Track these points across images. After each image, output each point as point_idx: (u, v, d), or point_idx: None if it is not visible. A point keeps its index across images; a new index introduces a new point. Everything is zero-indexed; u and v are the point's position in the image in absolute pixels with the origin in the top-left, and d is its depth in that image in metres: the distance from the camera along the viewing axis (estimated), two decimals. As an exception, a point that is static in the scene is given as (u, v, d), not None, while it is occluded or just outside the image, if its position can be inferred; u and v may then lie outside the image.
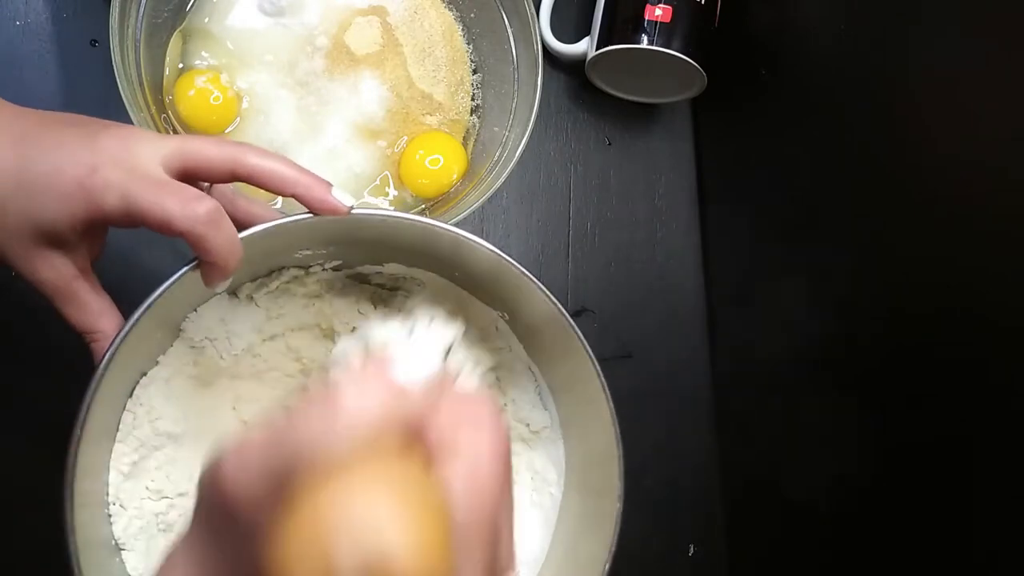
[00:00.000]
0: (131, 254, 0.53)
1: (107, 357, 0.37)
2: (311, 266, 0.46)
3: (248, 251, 0.38)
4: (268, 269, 0.45)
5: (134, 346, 0.39)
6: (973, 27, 0.42)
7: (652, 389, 0.61)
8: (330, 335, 0.47)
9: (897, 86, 0.47)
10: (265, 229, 0.39)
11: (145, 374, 0.43)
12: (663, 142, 0.64)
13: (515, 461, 0.49)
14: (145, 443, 0.43)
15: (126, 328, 0.37)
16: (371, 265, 0.46)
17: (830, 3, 0.53)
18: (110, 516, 0.42)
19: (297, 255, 0.43)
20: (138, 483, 0.43)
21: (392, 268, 0.46)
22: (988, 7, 0.41)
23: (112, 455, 0.42)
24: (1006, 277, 0.40)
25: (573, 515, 0.47)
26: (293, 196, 0.38)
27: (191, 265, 0.38)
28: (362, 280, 0.48)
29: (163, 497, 0.43)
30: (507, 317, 0.46)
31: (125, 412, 0.42)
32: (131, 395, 0.42)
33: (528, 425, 0.49)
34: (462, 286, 0.46)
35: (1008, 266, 0.40)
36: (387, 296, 0.48)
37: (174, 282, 0.38)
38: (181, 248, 0.55)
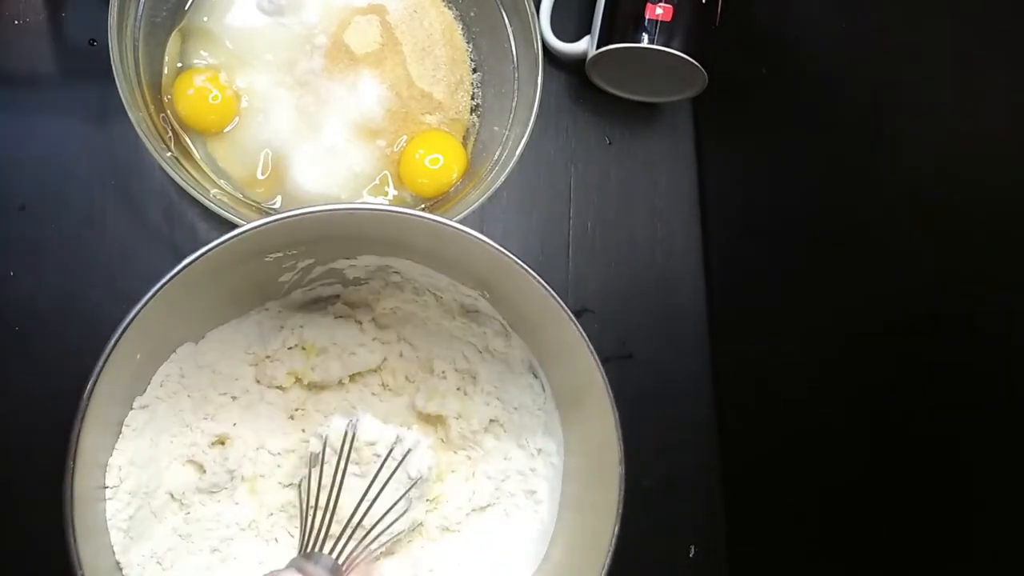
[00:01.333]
0: (131, 253, 0.53)
1: (91, 383, 0.37)
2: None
3: (221, 257, 0.38)
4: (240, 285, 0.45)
5: (117, 373, 0.39)
6: (973, 27, 0.42)
7: (652, 389, 0.61)
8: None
9: (896, 84, 0.46)
10: (234, 236, 0.39)
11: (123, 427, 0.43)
12: (664, 141, 0.64)
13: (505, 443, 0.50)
14: (136, 493, 0.43)
15: (108, 349, 0.37)
16: (344, 260, 0.46)
17: (831, 2, 0.53)
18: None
19: (267, 259, 0.43)
20: (143, 546, 0.43)
21: (366, 260, 0.46)
22: (988, 7, 0.41)
23: (108, 513, 0.42)
24: (1003, 274, 0.40)
25: (576, 483, 0.48)
26: None
27: (168, 278, 0.38)
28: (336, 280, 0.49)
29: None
30: (488, 295, 0.46)
31: (109, 462, 0.42)
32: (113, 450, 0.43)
33: (516, 408, 0.50)
34: (440, 271, 0.46)
35: (1006, 263, 0.40)
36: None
37: (152, 297, 0.38)
38: (180, 246, 0.55)
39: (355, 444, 0.46)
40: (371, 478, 0.45)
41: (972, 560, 0.42)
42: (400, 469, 0.47)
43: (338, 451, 0.46)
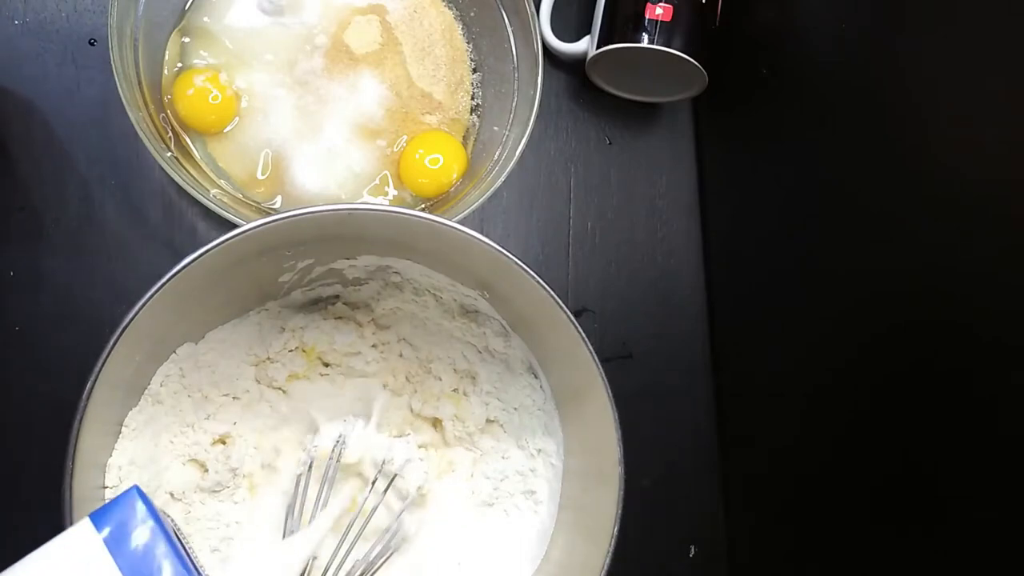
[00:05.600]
0: (130, 254, 0.53)
1: (90, 384, 0.37)
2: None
3: (221, 257, 0.38)
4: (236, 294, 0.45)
5: (116, 372, 0.39)
6: (973, 27, 0.42)
7: (652, 389, 0.61)
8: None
9: (897, 85, 0.46)
10: (234, 236, 0.39)
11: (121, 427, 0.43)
12: (664, 141, 0.64)
13: (505, 444, 0.50)
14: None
15: (107, 349, 0.37)
16: (344, 260, 0.46)
17: (831, 2, 0.53)
18: None
19: (267, 258, 0.43)
20: None
21: (366, 260, 0.46)
22: (988, 8, 0.41)
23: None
24: (1002, 279, 0.40)
25: (576, 483, 0.48)
26: None
27: (167, 278, 0.38)
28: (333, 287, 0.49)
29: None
30: (488, 295, 0.46)
31: (109, 462, 0.42)
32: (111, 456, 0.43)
33: (516, 408, 0.50)
34: (440, 271, 0.46)
35: (1006, 269, 0.40)
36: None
37: (151, 297, 0.38)
38: (180, 246, 0.55)
39: (342, 465, 0.46)
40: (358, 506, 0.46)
41: (972, 561, 0.42)
42: (390, 489, 0.47)
43: (324, 469, 0.46)
